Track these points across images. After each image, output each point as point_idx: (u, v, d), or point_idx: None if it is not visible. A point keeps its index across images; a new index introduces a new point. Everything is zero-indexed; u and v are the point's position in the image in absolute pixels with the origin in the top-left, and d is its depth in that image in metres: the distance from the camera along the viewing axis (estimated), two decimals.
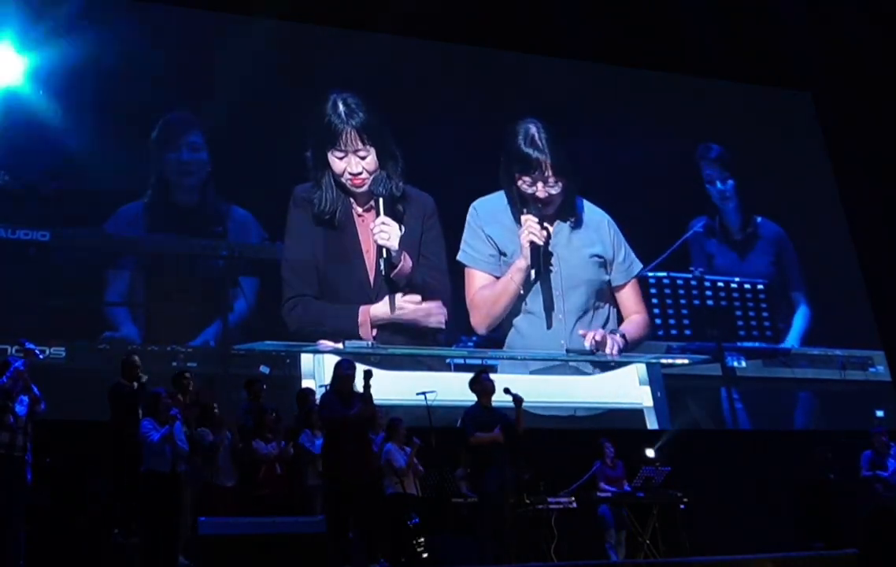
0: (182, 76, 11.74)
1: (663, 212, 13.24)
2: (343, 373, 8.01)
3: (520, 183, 12.63)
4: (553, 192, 12.66)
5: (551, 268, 12.31)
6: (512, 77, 13.43)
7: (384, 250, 11.48)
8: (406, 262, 11.61)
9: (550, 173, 12.72)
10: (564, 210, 12.74)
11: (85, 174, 10.74)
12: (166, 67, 11.65)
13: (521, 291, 12.13)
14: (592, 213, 12.92)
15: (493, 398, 8.56)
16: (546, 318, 12.12)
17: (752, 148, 14.32)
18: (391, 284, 11.51)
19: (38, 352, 7.48)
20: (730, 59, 14.04)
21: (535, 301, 12.17)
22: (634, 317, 12.59)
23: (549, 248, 12.40)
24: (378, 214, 11.65)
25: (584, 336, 12.14)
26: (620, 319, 12.54)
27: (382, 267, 11.42)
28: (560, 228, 12.63)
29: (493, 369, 11.47)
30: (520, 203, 12.53)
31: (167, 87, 11.60)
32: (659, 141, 13.67)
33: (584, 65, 13.91)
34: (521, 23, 13.29)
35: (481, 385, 8.57)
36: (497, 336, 12.01)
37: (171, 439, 7.65)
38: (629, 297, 12.66)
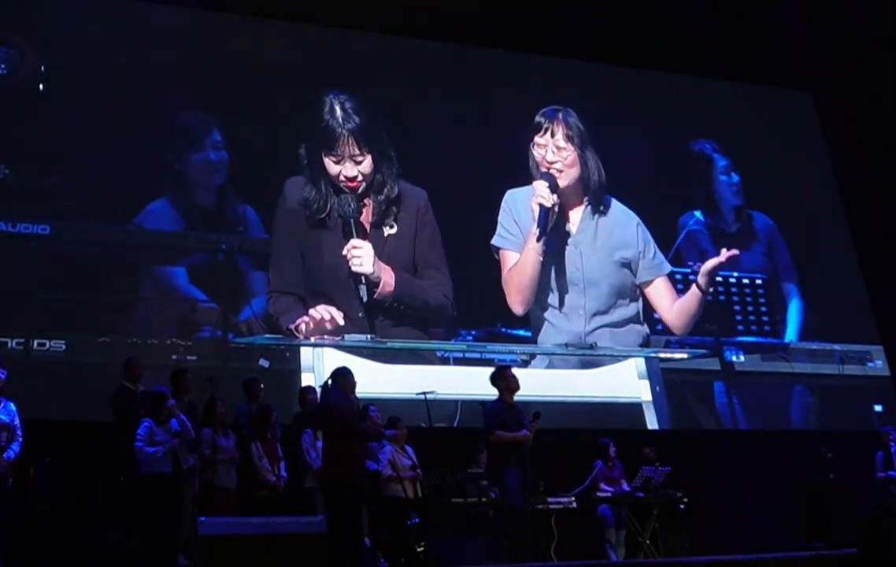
0: (184, 75, 11.64)
1: (658, 209, 13.13)
2: (353, 379, 7.90)
3: (535, 149, 12.47)
4: (566, 153, 12.37)
5: (566, 245, 12.22)
6: (511, 77, 13.31)
7: (362, 277, 11.00)
8: (388, 279, 11.12)
9: (561, 135, 12.47)
10: (590, 192, 12.48)
11: (86, 169, 10.72)
12: (168, 65, 11.52)
13: (541, 258, 11.94)
14: (621, 213, 12.73)
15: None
16: (567, 313, 12.06)
17: (750, 145, 14.25)
18: (377, 307, 11.10)
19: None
20: (730, 58, 13.98)
21: (556, 295, 12.10)
22: (676, 307, 12.50)
23: (572, 235, 12.33)
24: (350, 237, 11.16)
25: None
26: (646, 316, 12.45)
27: (363, 294, 10.95)
28: (587, 225, 12.46)
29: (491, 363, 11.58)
30: (536, 172, 12.40)
31: (168, 85, 11.47)
32: (658, 140, 13.63)
33: (583, 65, 13.80)
34: (521, 22, 13.17)
35: (506, 381, 8.24)
36: (529, 329, 11.98)
37: (172, 452, 7.68)
38: (661, 293, 12.52)
